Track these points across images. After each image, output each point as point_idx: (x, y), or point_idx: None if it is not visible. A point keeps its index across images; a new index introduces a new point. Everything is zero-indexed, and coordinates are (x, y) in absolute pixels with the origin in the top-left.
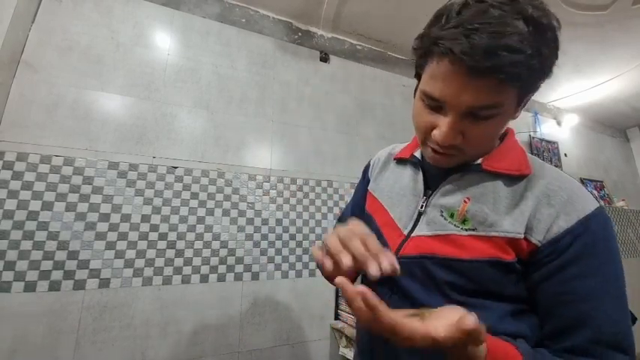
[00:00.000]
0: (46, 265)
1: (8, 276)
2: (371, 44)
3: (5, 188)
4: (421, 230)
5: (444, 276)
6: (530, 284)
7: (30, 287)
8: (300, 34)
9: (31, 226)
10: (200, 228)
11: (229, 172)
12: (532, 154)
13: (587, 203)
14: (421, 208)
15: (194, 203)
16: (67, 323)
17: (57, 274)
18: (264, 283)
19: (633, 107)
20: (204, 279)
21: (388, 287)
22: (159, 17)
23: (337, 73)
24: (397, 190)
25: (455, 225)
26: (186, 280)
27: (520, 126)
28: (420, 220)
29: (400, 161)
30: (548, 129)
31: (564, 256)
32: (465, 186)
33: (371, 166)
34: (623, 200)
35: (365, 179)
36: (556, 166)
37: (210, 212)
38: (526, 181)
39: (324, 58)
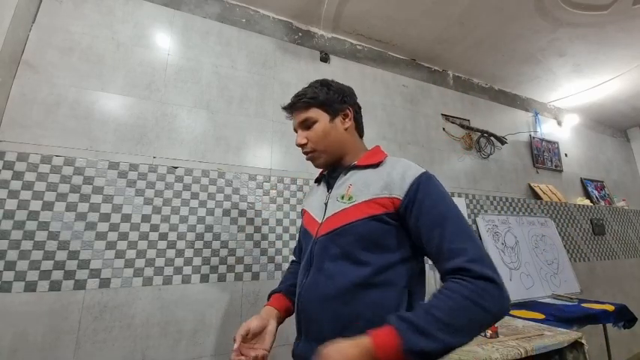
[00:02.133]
0: (47, 265)
1: (9, 276)
2: (371, 44)
3: (6, 188)
4: (327, 214)
5: (344, 240)
6: (412, 228)
7: (30, 287)
8: (300, 34)
9: (31, 226)
10: (200, 228)
11: (229, 172)
12: (532, 154)
13: (417, 170)
14: (326, 200)
15: (194, 203)
16: (67, 323)
17: (57, 274)
18: (264, 283)
19: (634, 107)
20: (204, 279)
21: (307, 265)
22: (159, 17)
23: (337, 73)
24: (315, 198)
25: (344, 202)
26: (186, 280)
27: (520, 126)
28: (327, 209)
29: (317, 181)
30: (548, 129)
31: (417, 199)
32: (348, 178)
33: (306, 196)
34: (623, 200)
35: (303, 209)
36: (556, 166)
37: (211, 212)
38: (382, 166)
39: (325, 58)
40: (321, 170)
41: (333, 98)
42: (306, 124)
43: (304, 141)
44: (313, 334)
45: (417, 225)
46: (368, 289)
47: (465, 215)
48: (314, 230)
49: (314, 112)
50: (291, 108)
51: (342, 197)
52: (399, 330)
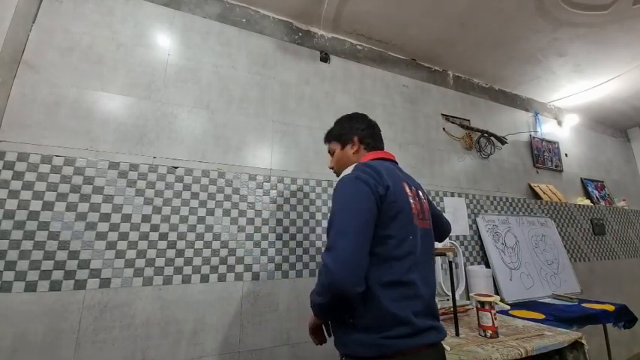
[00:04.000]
0: (47, 265)
1: (9, 276)
2: (371, 44)
3: (6, 188)
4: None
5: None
6: None
7: (31, 287)
8: (300, 34)
9: (31, 226)
10: (200, 228)
11: (230, 172)
12: (532, 154)
13: (343, 175)
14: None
15: (194, 203)
16: (67, 323)
17: (57, 274)
18: (264, 283)
19: (634, 107)
20: (204, 279)
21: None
22: (159, 17)
23: (337, 73)
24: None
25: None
26: (186, 280)
27: (520, 126)
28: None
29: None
30: (548, 129)
31: None
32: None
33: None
34: (623, 200)
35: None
36: (556, 166)
37: (211, 212)
38: None
39: (325, 58)
40: None
41: (342, 132)
42: (331, 152)
43: (331, 165)
44: None
45: None
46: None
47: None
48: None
49: (333, 144)
50: (325, 141)
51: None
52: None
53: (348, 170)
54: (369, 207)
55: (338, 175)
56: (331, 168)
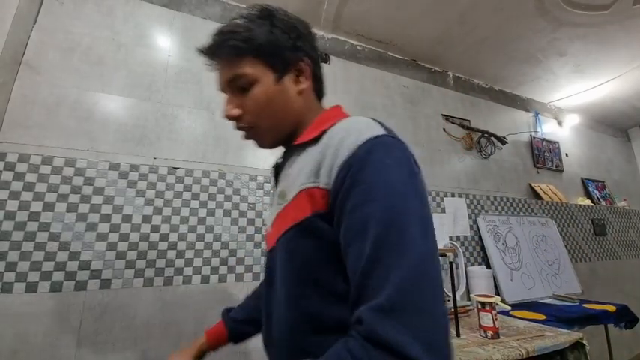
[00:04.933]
0: (48, 265)
1: (10, 277)
2: (371, 45)
3: (7, 189)
4: (272, 219)
5: (278, 262)
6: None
7: (31, 288)
8: None
9: (32, 227)
10: (201, 229)
11: (230, 172)
12: (533, 154)
13: (361, 134)
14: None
15: (195, 204)
16: (68, 324)
17: (58, 275)
18: None
19: (634, 107)
20: (205, 280)
21: (266, 279)
22: (160, 18)
23: (338, 73)
24: (271, 196)
25: (279, 203)
26: (187, 280)
27: (521, 126)
28: (272, 211)
29: (274, 168)
30: (549, 129)
31: (341, 192)
32: (289, 166)
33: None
34: (624, 200)
35: None
36: (557, 166)
37: (211, 213)
38: (323, 139)
39: (325, 59)
40: None
41: (281, 42)
42: (239, 85)
43: (237, 112)
44: None
45: (340, 236)
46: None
47: (429, 215)
48: (268, 241)
49: (250, 67)
50: (212, 53)
51: (279, 195)
52: None
53: (363, 127)
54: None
55: (258, 140)
56: (234, 118)
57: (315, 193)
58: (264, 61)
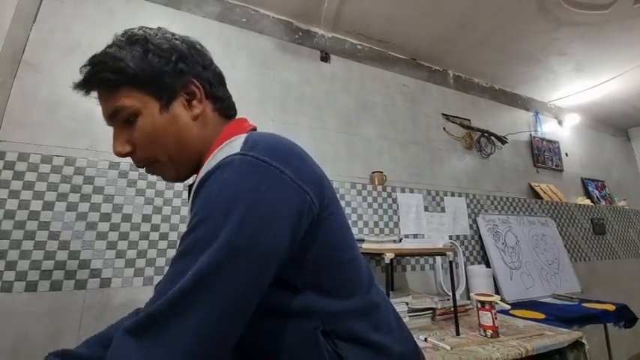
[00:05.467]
0: (47, 264)
1: (9, 276)
2: (371, 44)
3: (6, 188)
4: None
5: None
6: None
7: (31, 287)
8: (300, 33)
9: (32, 226)
10: None
11: None
12: (533, 153)
13: (219, 156)
14: None
15: None
16: (68, 323)
17: (58, 274)
18: None
19: (635, 107)
20: None
21: None
22: (160, 17)
23: (338, 72)
24: None
25: None
26: None
27: (521, 125)
28: None
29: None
30: (549, 128)
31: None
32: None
33: None
34: (624, 200)
35: None
36: (557, 166)
37: None
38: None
39: (325, 58)
40: None
41: (158, 68)
42: (121, 119)
43: (127, 149)
44: None
45: None
46: None
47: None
48: None
49: (128, 98)
50: (88, 87)
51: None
52: None
53: (220, 156)
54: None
55: (163, 175)
56: (126, 155)
57: None
58: (143, 90)
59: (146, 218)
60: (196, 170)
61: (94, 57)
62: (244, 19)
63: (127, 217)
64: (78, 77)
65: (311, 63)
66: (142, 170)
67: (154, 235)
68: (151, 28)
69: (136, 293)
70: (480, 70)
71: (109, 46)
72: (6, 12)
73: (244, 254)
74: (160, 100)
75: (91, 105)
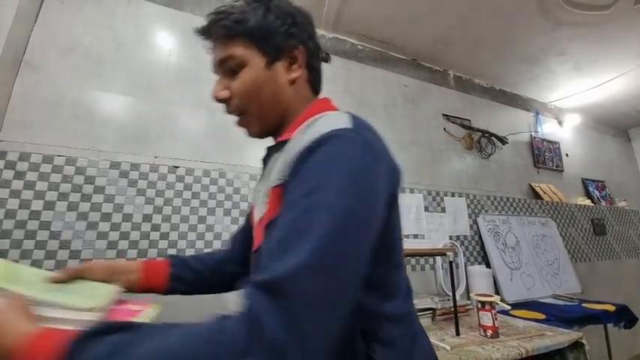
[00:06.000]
0: (48, 264)
1: None
2: (372, 44)
3: (7, 188)
4: (257, 219)
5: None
6: None
7: None
8: None
9: (33, 225)
10: (201, 228)
11: (231, 171)
12: (533, 154)
13: (320, 129)
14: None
15: (195, 203)
16: None
17: None
18: None
19: (635, 107)
20: None
21: None
22: (161, 18)
23: (339, 73)
24: (257, 189)
25: (263, 202)
26: None
27: (521, 126)
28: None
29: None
30: (549, 129)
31: (291, 178)
32: (270, 166)
33: None
34: (624, 200)
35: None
36: (557, 166)
37: (212, 212)
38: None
39: (325, 58)
40: None
41: (274, 27)
42: (229, 67)
43: (224, 94)
44: None
45: None
46: None
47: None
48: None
49: (240, 48)
50: (206, 33)
51: (264, 195)
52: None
53: (330, 123)
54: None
55: (247, 126)
56: (222, 101)
57: (280, 191)
58: (256, 45)
59: (146, 218)
60: (275, 131)
61: (221, 6)
62: None
63: (127, 217)
64: (79, 77)
65: None
66: (143, 170)
67: (155, 235)
68: None
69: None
70: (481, 71)
71: (236, 0)
72: (7, 12)
73: (363, 224)
74: (266, 56)
75: (92, 104)
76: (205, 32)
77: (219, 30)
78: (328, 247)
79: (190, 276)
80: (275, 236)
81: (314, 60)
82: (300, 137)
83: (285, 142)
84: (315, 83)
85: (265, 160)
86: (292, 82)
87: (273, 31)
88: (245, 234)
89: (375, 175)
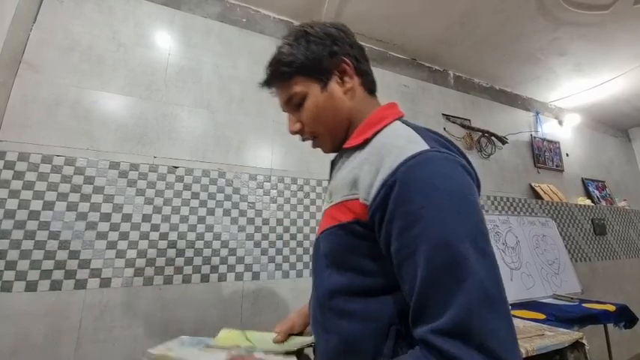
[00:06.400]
0: (47, 264)
1: (9, 275)
2: (372, 44)
3: (7, 188)
4: (323, 210)
5: (321, 252)
6: (385, 252)
7: (31, 287)
8: None
9: (32, 225)
10: (201, 228)
11: (230, 171)
12: (533, 153)
13: (402, 152)
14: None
15: (195, 203)
16: (68, 323)
17: (58, 274)
18: (264, 283)
19: (635, 107)
20: (204, 279)
21: (313, 260)
22: (160, 17)
23: None
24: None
25: (328, 201)
26: (186, 279)
27: (521, 126)
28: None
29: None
30: (549, 129)
31: (387, 210)
32: (338, 168)
33: None
34: (624, 200)
35: None
36: (557, 166)
37: (211, 212)
38: (367, 147)
39: None
40: None
41: (319, 54)
42: (294, 103)
43: (297, 127)
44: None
45: (389, 252)
46: (341, 317)
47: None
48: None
49: (298, 85)
50: (267, 84)
51: (329, 193)
52: None
53: (404, 144)
54: None
55: (323, 147)
56: (297, 133)
57: (355, 205)
58: (309, 76)
59: (146, 218)
60: (345, 140)
61: (272, 57)
62: (245, 20)
63: (126, 217)
64: (78, 77)
65: None
66: (142, 170)
67: (154, 235)
68: (306, 23)
69: (136, 293)
70: (480, 70)
71: (281, 47)
72: (6, 12)
73: (488, 236)
74: (320, 81)
75: (91, 104)
76: (268, 83)
77: (277, 78)
78: (489, 289)
79: None
80: (412, 277)
81: (361, 64)
82: (371, 157)
83: (352, 147)
84: (369, 84)
85: (334, 163)
86: (347, 92)
87: (319, 57)
88: None
89: (471, 188)
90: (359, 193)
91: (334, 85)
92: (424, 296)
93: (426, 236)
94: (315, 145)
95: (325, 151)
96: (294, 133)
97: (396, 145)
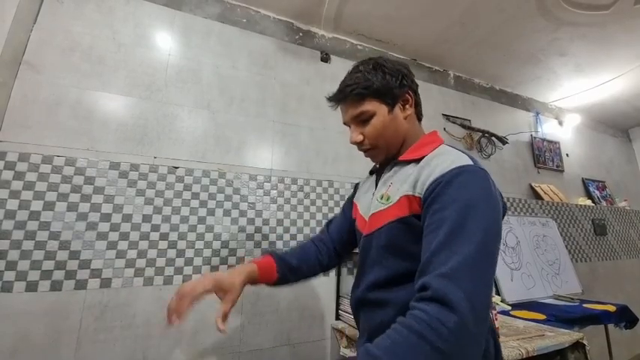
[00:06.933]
0: (48, 265)
1: (10, 276)
2: (372, 44)
3: (7, 188)
4: (371, 212)
5: (377, 244)
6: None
7: (31, 287)
8: (301, 34)
9: (32, 226)
10: (201, 228)
11: (230, 172)
12: (533, 154)
13: (452, 162)
14: (372, 197)
15: (195, 203)
16: (68, 323)
17: (58, 274)
18: None
19: (635, 107)
20: None
21: (361, 254)
22: (160, 18)
23: (338, 73)
24: (364, 192)
25: (382, 203)
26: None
27: (521, 126)
28: (371, 207)
29: (371, 173)
30: (549, 129)
31: (430, 197)
32: (391, 176)
33: (360, 184)
34: (625, 200)
35: (354, 193)
36: (557, 166)
37: (211, 212)
38: (424, 160)
39: (325, 58)
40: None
41: (390, 84)
42: (362, 119)
43: (360, 138)
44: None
45: (425, 226)
46: (399, 291)
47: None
48: (362, 226)
49: (370, 105)
50: (339, 101)
51: (382, 197)
52: None
53: (455, 158)
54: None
55: (375, 157)
56: (358, 143)
57: (412, 199)
58: (380, 99)
59: (146, 218)
60: (393, 156)
61: (349, 79)
62: (245, 20)
63: (127, 218)
64: (79, 77)
65: (311, 63)
66: (143, 170)
67: (154, 236)
68: (380, 57)
69: (137, 293)
70: (481, 71)
71: (357, 72)
72: (7, 13)
73: (499, 236)
74: (388, 105)
75: (92, 105)
76: (339, 99)
77: (354, 96)
78: (483, 247)
79: (293, 275)
80: (429, 244)
81: (417, 97)
82: (428, 165)
83: (409, 160)
84: (419, 113)
85: (378, 172)
86: (406, 117)
87: (391, 86)
88: (342, 223)
89: (496, 197)
90: (416, 190)
91: (398, 110)
92: (434, 254)
93: (451, 217)
94: (368, 155)
95: (376, 161)
96: (355, 143)
97: (447, 159)
